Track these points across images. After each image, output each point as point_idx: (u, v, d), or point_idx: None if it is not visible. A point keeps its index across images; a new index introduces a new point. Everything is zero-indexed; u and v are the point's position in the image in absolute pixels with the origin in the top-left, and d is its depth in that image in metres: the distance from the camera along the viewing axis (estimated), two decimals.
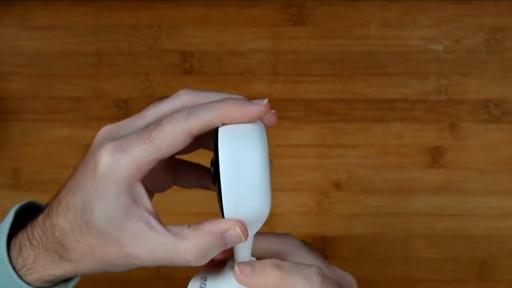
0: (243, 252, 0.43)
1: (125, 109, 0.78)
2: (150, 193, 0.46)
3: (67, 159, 0.78)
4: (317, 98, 0.78)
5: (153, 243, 0.40)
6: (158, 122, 0.39)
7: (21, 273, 0.44)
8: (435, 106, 0.78)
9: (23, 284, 0.44)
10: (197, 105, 0.40)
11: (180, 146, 0.39)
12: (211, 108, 0.39)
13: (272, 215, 0.78)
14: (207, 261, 0.41)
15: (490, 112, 0.78)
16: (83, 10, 0.78)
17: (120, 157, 0.39)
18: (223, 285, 0.44)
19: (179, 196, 0.76)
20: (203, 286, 0.44)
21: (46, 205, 0.45)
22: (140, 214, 0.40)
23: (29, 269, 0.44)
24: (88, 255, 0.42)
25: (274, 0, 0.78)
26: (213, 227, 0.40)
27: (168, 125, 0.39)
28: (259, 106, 0.39)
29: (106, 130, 0.42)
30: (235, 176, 0.38)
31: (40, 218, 0.43)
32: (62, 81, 0.79)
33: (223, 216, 0.40)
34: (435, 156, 0.78)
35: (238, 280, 0.42)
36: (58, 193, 0.43)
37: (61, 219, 0.41)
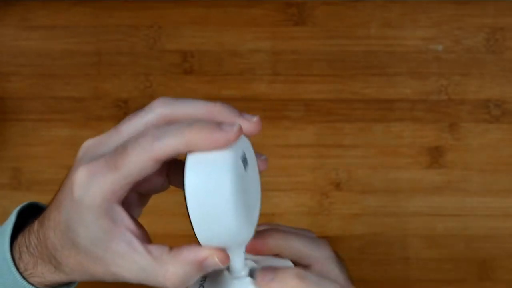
0: (236, 264, 0.42)
1: (125, 109, 0.78)
2: (145, 196, 0.45)
3: (67, 159, 0.78)
4: (317, 98, 0.78)
5: (135, 264, 0.39)
6: (123, 147, 0.38)
7: (24, 275, 0.44)
8: (435, 106, 0.78)
9: (27, 285, 0.44)
10: (163, 128, 0.38)
11: (148, 171, 0.38)
12: (175, 135, 0.37)
13: (272, 215, 0.78)
14: (187, 285, 0.40)
15: (490, 112, 0.78)
16: (83, 10, 0.78)
17: (92, 183, 0.38)
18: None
19: (178, 196, 0.76)
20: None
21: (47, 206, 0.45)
22: (121, 234, 0.39)
23: (30, 273, 0.44)
24: (78, 270, 0.42)
25: (274, 0, 0.78)
26: (191, 255, 0.39)
27: (133, 151, 0.37)
28: (228, 134, 0.37)
29: (87, 146, 0.41)
30: (203, 208, 0.37)
31: (35, 226, 0.43)
32: (62, 81, 0.79)
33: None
34: (435, 156, 0.78)
35: (258, 284, 0.41)
36: (52, 200, 0.43)
37: (52, 233, 0.41)
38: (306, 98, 0.78)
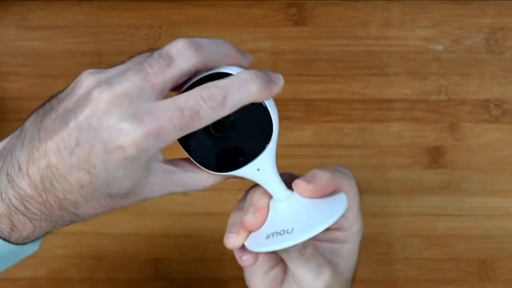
0: (275, 187, 0.44)
1: None
2: None
3: None
4: (317, 98, 0.78)
5: (172, 183, 0.42)
6: (194, 111, 0.39)
7: (6, 237, 0.41)
8: (435, 106, 0.78)
9: (4, 243, 0.41)
10: (229, 86, 0.40)
11: None
12: (244, 93, 0.40)
13: None
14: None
15: (490, 112, 0.78)
16: (83, 10, 0.78)
17: (153, 143, 0.38)
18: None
19: (179, 196, 0.76)
20: None
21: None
22: (158, 167, 0.41)
23: (20, 235, 0.42)
24: (103, 212, 0.42)
25: (274, 0, 0.78)
26: None
27: (206, 114, 0.39)
28: (279, 87, 0.43)
29: (113, 98, 0.39)
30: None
31: (29, 190, 0.39)
32: (62, 81, 0.78)
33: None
34: (435, 156, 0.78)
35: (303, 192, 0.44)
36: (40, 155, 0.39)
37: (73, 195, 0.39)
38: (306, 98, 0.78)
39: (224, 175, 0.44)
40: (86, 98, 0.39)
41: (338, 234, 0.47)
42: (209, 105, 0.39)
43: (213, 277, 0.78)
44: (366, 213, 0.79)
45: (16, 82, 0.78)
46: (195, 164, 0.43)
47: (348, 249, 0.48)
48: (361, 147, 0.79)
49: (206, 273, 0.78)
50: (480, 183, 0.78)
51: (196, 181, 0.43)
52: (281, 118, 0.82)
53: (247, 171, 0.43)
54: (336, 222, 0.42)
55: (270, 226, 0.43)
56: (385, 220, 0.79)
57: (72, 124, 0.39)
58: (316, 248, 0.46)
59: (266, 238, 0.43)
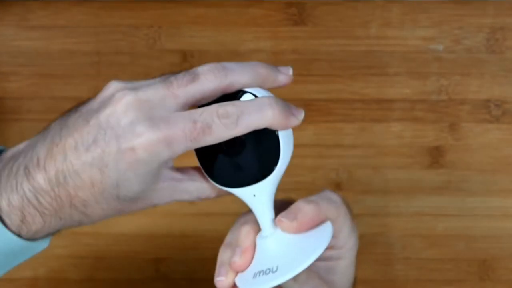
0: (265, 222, 0.44)
1: None
2: None
3: None
4: (317, 98, 0.78)
5: (179, 191, 0.44)
6: (207, 125, 0.40)
7: (16, 230, 0.42)
8: (435, 106, 0.78)
9: (14, 237, 0.42)
10: (245, 107, 0.40)
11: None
12: (260, 116, 0.41)
13: None
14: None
15: (490, 112, 0.78)
16: (83, 10, 0.78)
17: (164, 150, 0.39)
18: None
19: None
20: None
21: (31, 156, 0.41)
22: (167, 174, 0.43)
23: (29, 230, 0.42)
24: (112, 215, 0.43)
25: (274, 0, 0.78)
26: None
27: (217, 130, 0.40)
28: (298, 121, 0.43)
29: (135, 102, 0.40)
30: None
31: (43, 184, 0.40)
32: (62, 81, 0.78)
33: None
34: (435, 156, 0.78)
35: (287, 229, 0.44)
36: (59, 150, 0.40)
37: (83, 192, 0.40)
38: (306, 98, 0.78)
39: (224, 189, 0.44)
40: (109, 99, 0.41)
41: (332, 252, 0.47)
42: (223, 121, 0.40)
43: (213, 277, 0.78)
44: (366, 213, 0.79)
45: (16, 82, 0.78)
46: (202, 174, 0.44)
47: (344, 265, 0.48)
48: (361, 147, 0.78)
49: (206, 273, 0.78)
50: (480, 183, 0.78)
51: (202, 191, 0.45)
52: None
53: (243, 193, 0.44)
54: (329, 242, 0.43)
55: (256, 265, 0.44)
56: (385, 220, 0.79)
57: (92, 122, 0.40)
58: (310, 270, 0.46)
59: (253, 277, 0.43)
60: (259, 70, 0.43)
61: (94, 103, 0.42)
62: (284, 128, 0.42)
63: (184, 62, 0.78)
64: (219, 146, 0.42)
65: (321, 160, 0.79)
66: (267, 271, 0.43)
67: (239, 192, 0.44)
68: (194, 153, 0.43)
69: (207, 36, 0.78)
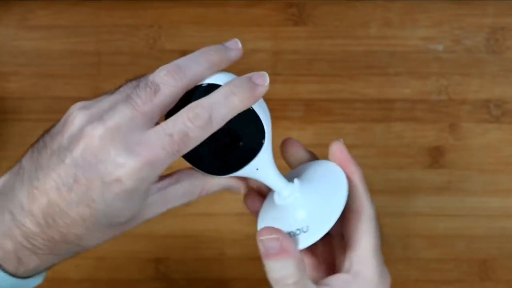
0: (276, 184, 0.45)
1: None
2: None
3: None
4: (317, 98, 0.78)
5: (169, 198, 0.43)
6: (184, 134, 0.40)
7: (13, 271, 0.42)
8: (435, 106, 0.78)
9: (6, 276, 0.42)
10: (212, 103, 0.40)
11: None
12: (228, 106, 0.41)
13: None
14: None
15: (490, 112, 0.78)
16: (83, 10, 0.78)
17: (150, 173, 0.39)
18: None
19: None
20: None
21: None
22: (153, 188, 0.43)
23: (27, 269, 0.42)
24: (107, 240, 0.43)
25: (274, 0, 0.78)
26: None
27: (195, 134, 0.40)
28: (264, 88, 0.43)
29: (106, 133, 0.39)
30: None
31: (33, 228, 0.40)
32: (62, 81, 0.79)
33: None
34: (435, 156, 0.78)
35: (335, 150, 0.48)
36: (41, 193, 0.40)
37: (76, 229, 0.41)
38: (306, 98, 0.78)
39: (226, 177, 0.45)
40: (79, 134, 0.40)
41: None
42: (197, 125, 0.40)
43: (213, 277, 0.78)
44: None
45: (16, 82, 0.78)
46: (187, 174, 0.44)
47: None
48: (361, 147, 0.78)
49: (206, 273, 0.78)
50: (480, 183, 0.78)
51: (192, 191, 0.44)
52: (281, 118, 0.82)
53: (246, 172, 0.45)
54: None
55: (285, 227, 0.44)
56: (385, 220, 0.78)
57: (68, 161, 0.40)
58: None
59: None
60: (210, 58, 0.43)
61: (63, 139, 0.41)
62: (254, 102, 0.42)
63: None
64: (205, 144, 0.42)
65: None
66: (298, 232, 0.43)
67: (242, 173, 0.44)
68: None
69: (207, 36, 0.78)
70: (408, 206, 0.79)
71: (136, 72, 0.82)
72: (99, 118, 0.40)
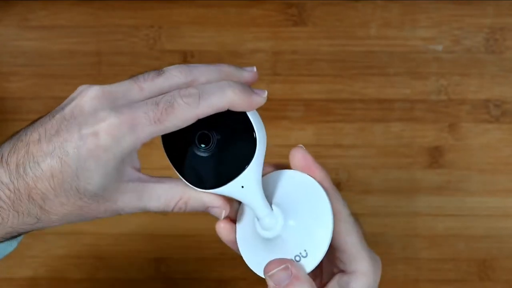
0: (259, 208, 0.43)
1: None
2: None
3: None
4: (317, 98, 0.78)
5: (146, 194, 0.42)
6: (169, 104, 0.40)
7: None
8: (435, 106, 0.78)
9: None
10: (205, 88, 0.41)
11: (184, 126, 0.41)
12: (221, 95, 0.40)
13: None
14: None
15: (490, 112, 0.78)
16: (83, 10, 0.78)
17: (127, 134, 0.39)
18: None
19: None
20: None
21: None
22: (132, 174, 0.42)
23: None
24: (73, 214, 0.41)
25: (274, 0, 0.78)
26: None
27: (180, 109, 0.40)
28: (261, 98, 0.42)
29: (98, 92, 0.41)
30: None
31: (3, 177, 0.40)
32: (62, 81, 0.79)
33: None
34: (435, 156, 0.78)
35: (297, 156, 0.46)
36: (23, 144, 0.41)
37: (42, 184, 0.40)
38: (306, 98, 0.78)
39: (208, 192, 0.43)
40: (76, 95, 0.42)
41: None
42: (185, 100, 0.40)
43: (213, 277, 0.78)
44: (366, 213, 0.79)
45: (16, 82, 0.78)
46: (171, 180, 0.43)
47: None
48: (361, 147, 0.79)
49: (206, 273, 0.78)
50: (480, 183, 0.78)
51: (171, 196, 0.43)
52: (281, 118, 0.82)
53: (231, 189, 0.42)
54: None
55: (282, 255, 0.43)
56: (385, 220, 0.79)
57: (57, 116, 0.40)
58: None
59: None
60: (223, 69, 0.43)
61: (63, 103, 0.42)
62: (249, 106, 0.41)
63: (184, 63, 0.78)
64: (196, 150, 0.42)
65: (321, 160, 0.78)
66: (298, 258, 0.42)
67: (225, 189, 0.42)
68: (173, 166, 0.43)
69: (207, 36, 0.78)
70: (407, 206, 0.79)
71: (136, 72, 0.82)
72: (101, 85, 0.41)
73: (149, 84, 0.41)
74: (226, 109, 0.41)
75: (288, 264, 0.41)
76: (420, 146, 0.79)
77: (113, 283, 0.78)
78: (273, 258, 0.42)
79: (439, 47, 0.78)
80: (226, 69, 0.43)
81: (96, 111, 0.39)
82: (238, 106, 0.41)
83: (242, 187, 0.42)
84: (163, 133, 0.40)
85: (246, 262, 0.44)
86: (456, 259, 0.79)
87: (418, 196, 0.79)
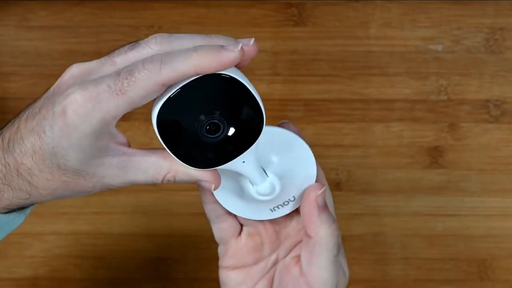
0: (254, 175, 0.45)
1: None
2: None
3: None
4: (317, 98, 0.78)
5: (132, 168, 0.41)
6: (129, 73, 0.38)
7: None
8: (435, 106, 0.78)
9: None
10: (170, 53, 0.39)
11: (153, 96, 0.39)
12: (184, 58, 0.38)
13: None
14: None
15: (490, 112, 0.78)
16: (83, 10, 0.78)
17: (92, 109, 0.38)
18: None
19: (179, 196, 0.76)
20: None
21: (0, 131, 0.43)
22: (116, 149, 0.41)
23: None
24: (61, 189, 0.41)
25: (274, 0, 0.78)
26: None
27: (140, 77, 0.38)
28: (232, 53, 0.39)
29: (76, 70, 0.41)
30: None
31: None
32: None
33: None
34: (435, 156, 0.78)
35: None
36: (17, 122, 0.41)
37: (27, 159, 0.40)
38: (306, 98, 0.78)
39: (208, 170, 0.42)
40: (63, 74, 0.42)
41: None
42: (146, 67, 0.38)
43: (213, 277, 0.78)
44: (366, 213, 0.79)
45: (16, 82, 0.78)
46: (159, 151, 0.42)
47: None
48: (361, 147, 0.79)
49: (206, 273, 0.78)
50: (480, 183, 0.78)
51: (159, 168, 0.42)
52: (281, 118, 0.82)
53: (234, 165, 0.42)
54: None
55: (271, 203, 0.47)
56: (385, 220, 0.79)
57: (44, 95, 0.41)
58: None
59: (272, 211, 0.47)
60: (213, 40, 0.41)
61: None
62: (219, 65, 0.38)
63: None
64: (202, 135, 0.40)
65: (321, 160, 0.78)
66: (285, 203, 0.47)
67: (229, 165, 0.42)
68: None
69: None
70: (407, 205, 0.79)
71: None
72: (81, 63, 0.42)
73: (122, 57, 0.40)
74: (195, 74, 0.38)
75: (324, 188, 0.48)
76: (420, 146, 0.79)
77: (113, 283, 0.78)
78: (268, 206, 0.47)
79: (439, 47, 0.78)
80: (216, 40, 0.41)
81: (67, 89, 0.39)
82: (206, 68, 0.38)
83: (243, 162, 0.42)
84: (131, 106, 0.39)
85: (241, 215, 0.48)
86: (456, 259, 0.79)
87: (418, 196, 0.79)
